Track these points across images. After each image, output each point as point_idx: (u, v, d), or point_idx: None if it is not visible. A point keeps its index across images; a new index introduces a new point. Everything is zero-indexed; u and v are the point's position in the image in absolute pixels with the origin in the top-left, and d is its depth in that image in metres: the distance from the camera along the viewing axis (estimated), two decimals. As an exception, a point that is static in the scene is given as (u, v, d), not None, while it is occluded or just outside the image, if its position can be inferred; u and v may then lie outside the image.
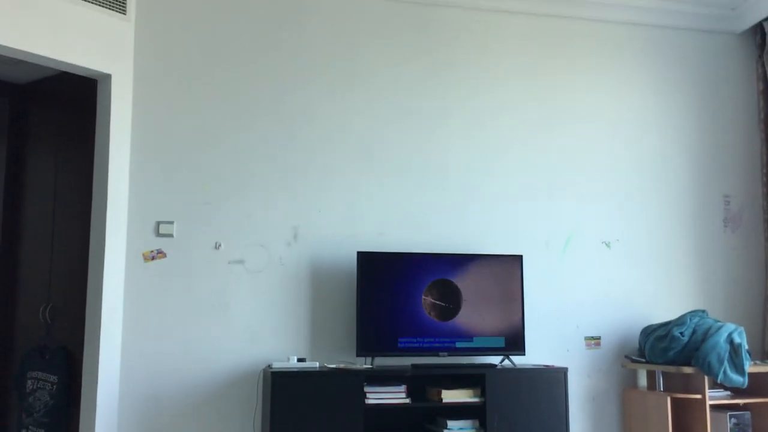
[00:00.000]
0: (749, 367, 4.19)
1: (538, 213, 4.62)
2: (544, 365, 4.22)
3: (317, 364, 3.96)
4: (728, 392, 4.34)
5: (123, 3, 4.06)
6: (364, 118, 4.43)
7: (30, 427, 4.03)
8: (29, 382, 4.10)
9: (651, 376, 4.52)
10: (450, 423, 3.91)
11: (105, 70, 3.99)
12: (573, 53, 4.82)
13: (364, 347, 4.02)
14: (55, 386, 3.99)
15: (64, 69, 3.97)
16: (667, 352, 4.27)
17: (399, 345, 4.08)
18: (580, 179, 4.73)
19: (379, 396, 3.85)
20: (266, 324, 4.13)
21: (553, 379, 4.07)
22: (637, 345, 4.60)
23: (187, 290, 4.05)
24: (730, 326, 4.24)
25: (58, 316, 4.14)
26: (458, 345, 4.15)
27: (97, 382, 3.80)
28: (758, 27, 5.00)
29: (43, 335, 4.17)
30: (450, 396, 3.93)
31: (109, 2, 3.99)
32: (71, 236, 4.15)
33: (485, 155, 4.58)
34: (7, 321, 4.40)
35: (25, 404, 4.09)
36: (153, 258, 4.04)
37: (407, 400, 3.90)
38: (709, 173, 4.98)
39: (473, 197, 4.53)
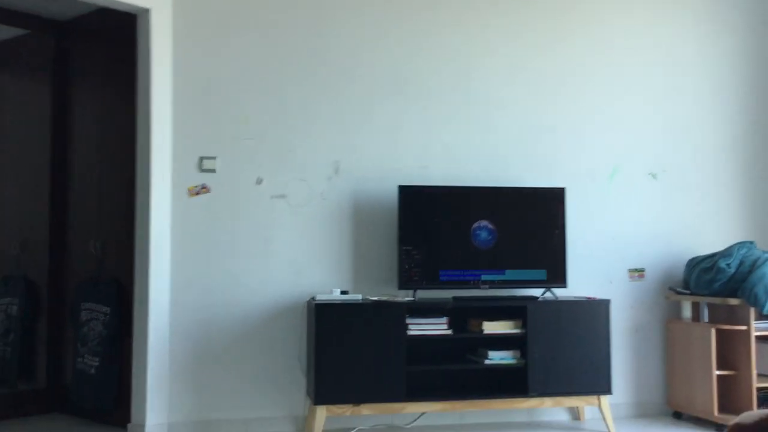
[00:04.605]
0: (797, 300, 4.13)
1: (584, 145, 4.54)
2: (587, 297, 4.22)
3: (360, 297, 4.02)
4: (774, 324, 4.29)
5: (159, -64, 4.01)
6: (405, 51, 4.36)
7: (86, 356, 4.21)
8: (83, 313, 4.26)
9: (695, 308, 4.49)
10: (491, 353, 3.96)
11: (144, 5, 3.98)
12: (621, -23, 4.64)
13: (405, 280, 4.06)
14: (107, 317, 4.14)
15: (102, 4, 3.97)
16: (712, 284, 4.22)
17: (440, 278, 4.10)
18: (626, 109, 4.61)
19: (420, 327, 3.90)
20: (309, 257, 4.18)
21: (596, 311, 4.07)
22: (681, 277, 4.56)
23: (231, 224, 4.12)
24: (778, 258, 4.17)
25: (109, 249, 4.26)
26: (499, 278, 4.16)
27: (147, 313, 3.93)
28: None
29: (95, 268, 4.30)
30: (491, 327, 3.97)
31: (146, -65, 3.95)
32: (118, 172, 4.22)
33: (528, 87, 4.49)
34: (60, 254, 4.54)
35: (80, 334, 4.26)
36: (197, 193, 4.10)
37: (449, 332, 3.95)
38: (762, 99, 4.81)
39: (516, 129, 4.46)
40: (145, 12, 4.02)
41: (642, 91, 4.64)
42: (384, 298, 3.99)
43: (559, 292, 4.25)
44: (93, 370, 4.15)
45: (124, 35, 4.14)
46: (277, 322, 4.13)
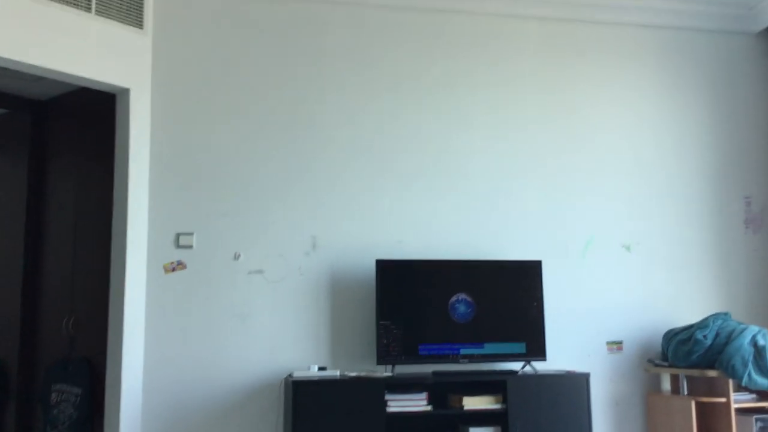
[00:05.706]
0: (774, 370, 4.14)
1: (558, 217, 4.60)
2: (566, 371, 4.20)
3: (338, 373, 3.97)
4: (753, 395, 4.28)
5: (140, 18, 4.10)
6: (381, 126, 4.44)
7: (55, 439, 4.07)
8: (53, 394, 4.14)
9: (674, 380, 4.48)
10: (472, 430, 3.90)
11: (123, 85, 4.04)
12: (588, 56, 4.80)
13: (384, 355, 4.02)
14: (78, 398, 4.03)
15: (83, 84, 4.02)
16: (690, 356, 4.23)
17: (419, 352, 4.07)
18: (598, 183, 4.71)
19: (400, 404, 3.84)
20: (286, 333, 4.14)
21: (576, 384, 4.05)
22: (659, 349, 4.56)
23: (207, 301, 4.08)
24: (753, 328, 4.20)
25: (81, 328, 4.18)
26: (479, 352, 4.14)
27: (120, 394, 3.83)
28: (775, 26, 4.97)
29: (66, 348, 4.21)
30: (471, 403, 3.92)
31: (126, 17, 4.04)
32: (93, 249, 4.19)
33: (503, 161, 4.58)
34: (31, 334, 4.44)
35: (49, 417, 4.13)
36: (173, 269, 4.07)
37: (428, 408, 3.89)
38: (729, 174, 4.94)
39: (492, 203, 4.52)
40: (125, 92, 4.08)
41: (614, 166, 4.74)
42: (362, 373, 3.94)
43: (539, 365, 4.22)
44: (62, 455, 4.02)
45: (102, 114, 4.18)
46: (254, 400, 4.05)
